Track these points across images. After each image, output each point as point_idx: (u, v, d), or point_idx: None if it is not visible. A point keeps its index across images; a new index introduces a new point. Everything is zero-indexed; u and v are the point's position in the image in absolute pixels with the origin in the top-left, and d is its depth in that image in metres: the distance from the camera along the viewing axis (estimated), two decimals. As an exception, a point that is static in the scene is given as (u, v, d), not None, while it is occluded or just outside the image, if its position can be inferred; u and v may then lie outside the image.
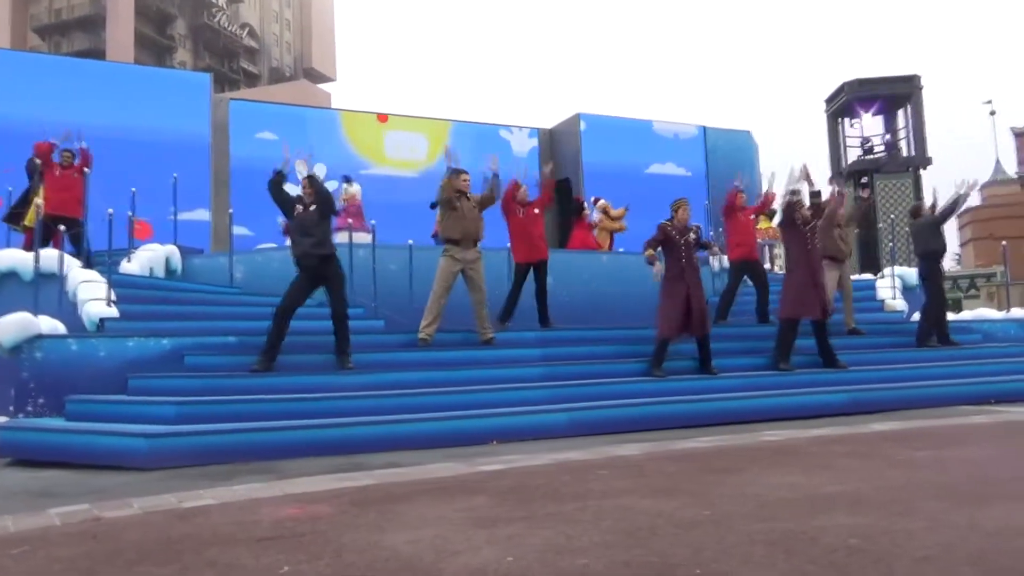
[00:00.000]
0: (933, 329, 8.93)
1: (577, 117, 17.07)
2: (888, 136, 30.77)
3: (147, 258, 8.96)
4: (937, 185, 9.65)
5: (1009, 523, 2.95)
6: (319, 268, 6.53)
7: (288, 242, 7.41)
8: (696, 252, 7.40)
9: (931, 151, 30.08)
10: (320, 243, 6.55)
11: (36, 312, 6.33)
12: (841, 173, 27.97)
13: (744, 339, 8.60)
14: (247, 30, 54.76)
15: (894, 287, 11.38)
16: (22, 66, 13.18)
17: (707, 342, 7.29)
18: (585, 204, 12.51)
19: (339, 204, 9.72)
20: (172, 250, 9.56)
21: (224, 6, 53.24)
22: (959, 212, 9.50)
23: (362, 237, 9.75)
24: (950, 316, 9.39)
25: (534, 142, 17.27)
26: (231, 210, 10.81)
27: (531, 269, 8.15)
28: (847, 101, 30.58)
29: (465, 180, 7.49)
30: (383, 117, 16.04)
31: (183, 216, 11.53)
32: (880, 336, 9.28)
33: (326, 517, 3.36)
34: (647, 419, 6.33)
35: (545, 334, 8.00)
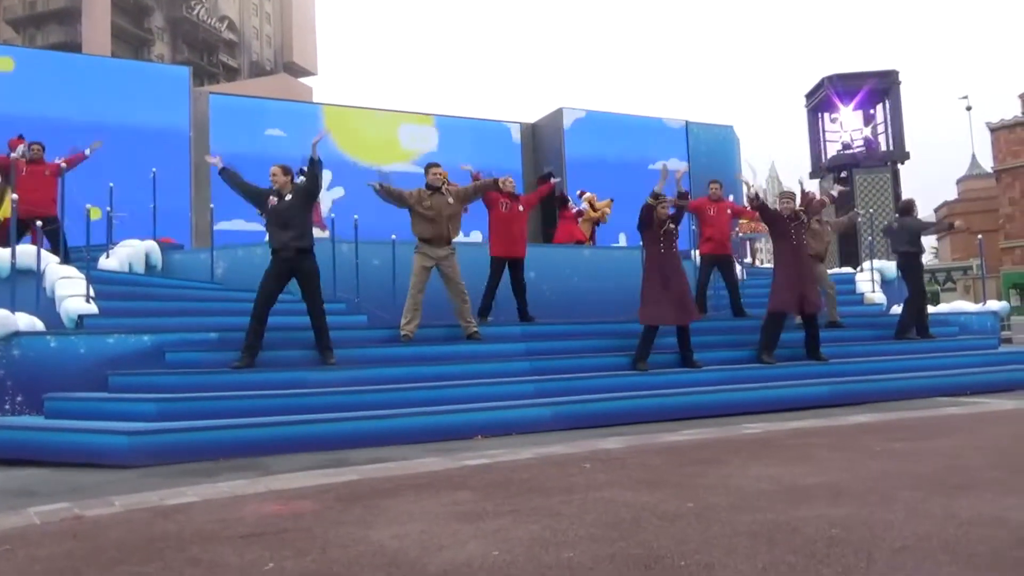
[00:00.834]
0: (913, 322, 9.05)
1: (560, 111, 17.08)
2: (867, 131, 31.08)
3: (126, 254, 8.86)
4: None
5: (983, 512, 3.01)
6: (294, 261, 6.35)
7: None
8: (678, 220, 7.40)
9: (908, 146, 30.43)
10: (299, 236, 6.36)
11: (14, 309, 6.24)
12: (837, 177, 28.05)
13: (724, 332, 8.67)
14: (226, 23, 54.15)
15: (873, 280, 11.52)
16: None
17: (688, 335, 7.34)
18: (569, 197, 12.54)
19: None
20: (152, 246, 9.45)
21: (203, -1, 52.61)
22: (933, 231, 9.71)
23: (318, 233, 9.60)
24: (928, 309, 9.52)
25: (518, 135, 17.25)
26: (212, 205, 10.70)
27: (506, 265, 8.14)
28: (827, 96, 30.85)
29: (435, 174, 7.35)
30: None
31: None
32: (860, 329, 9.40)
33: (311, 513, 3.36)
34: (631, 412, 6.37)
35: (529, 328, 8.02)
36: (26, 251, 7.25)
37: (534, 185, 17.30)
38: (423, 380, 6.48)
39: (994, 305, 10.82)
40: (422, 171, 7.65)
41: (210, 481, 4.22)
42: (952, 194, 44.44)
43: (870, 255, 12.42)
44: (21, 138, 9.12)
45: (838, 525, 2.85)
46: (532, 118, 18.07)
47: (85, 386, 5.97)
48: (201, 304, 8.00)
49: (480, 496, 3.59)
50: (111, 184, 9.36)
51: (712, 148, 17.90)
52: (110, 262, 8.48)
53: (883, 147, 30.90)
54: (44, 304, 6.91)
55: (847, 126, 31.21)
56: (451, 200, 7.31)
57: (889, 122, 30.88)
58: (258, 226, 12.26)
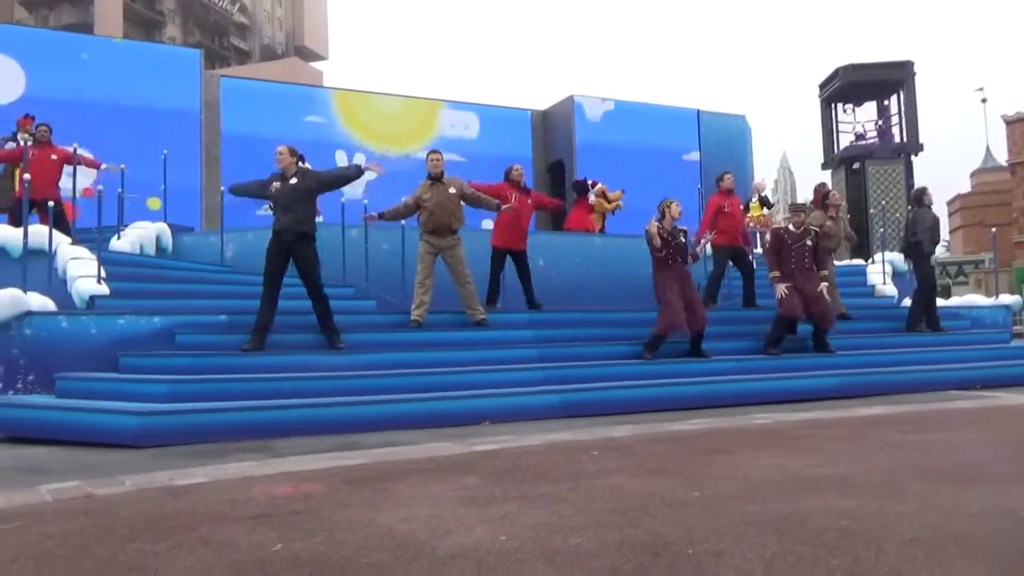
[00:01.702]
0: (923, 315, 8.99)
1: (571, 99, 16.98)
2: (880, 122, 30.80)
3: (137, 236, 8.90)
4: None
5: (993, 505, 2.99)
6: (294, 244, 6.30)
7: None
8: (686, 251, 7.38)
9: (922, 137, 30.15)
10: (301, 220, 6.31)
11: (25, 289, 6.28)
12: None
13: (734, 323, 8.64)
14: (238, 5, 53.98)
15: (884, 272, 11.44)
16: (7, 39, 12.95)
17: (701, 332, 7.34)
18: (589, 186, 12.41)
19: None
20: (162, 228, 9.49)
21: (215, -19, 52.43)
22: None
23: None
24: (940, 303, 9.46)
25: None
26: (223, 188, 10.71)
27: (507, 256, 8.11)
28: (841, 87, 30.56)
29: (433, 160, 7.27)
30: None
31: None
32: (870, 321, 9.34)
33: (319, 495, 3.37)
34: (639, 401, 6.36)
35: (538, 316, 8.01)
36: (38, 231, 7.28)
37: (544, 173, 17.27)
38: (432, 365, 6.50)
39: (1006, 299, 10.74)
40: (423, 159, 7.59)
41: (219, 462, 4.25)
42: (966, 187, 44.05)
43: (882, 247, 12.34)
44: (30, 117, 9.14)
45: (847, 516, 2.84)
46: (542, 105, 17.97)
47: (96, 366, 6.02)
48: (211, 287, 8.04)
49: (488, 481, 3.59)
50: (123, 166, 9.37)
51: (723, 138, 17.77)
52: (121, 244, 8.52)
53: (897, 139, 30.62)
54: (56, 285, 6.95)
55: (860, 117, 30.95)
56: (452, 190, 7.21)
57: (903, 113, 30.58)
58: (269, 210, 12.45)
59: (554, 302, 8.56)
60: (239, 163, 13.27)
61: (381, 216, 7.25)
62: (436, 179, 7.21)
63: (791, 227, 7.77)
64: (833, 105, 31.85)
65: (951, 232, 43.42)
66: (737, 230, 9.11)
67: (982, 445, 4.51)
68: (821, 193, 9.36)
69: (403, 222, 8.80)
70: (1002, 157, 39.56)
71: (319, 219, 8.41)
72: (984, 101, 42.47)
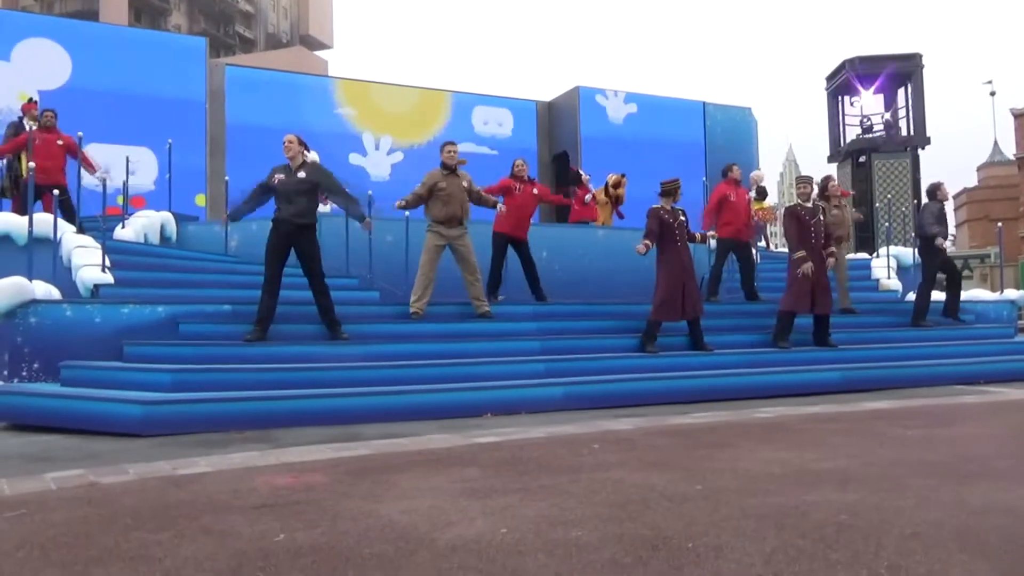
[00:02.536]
0: (928, 309, 8.99)
1: (576, 90, 16.93)
2: (887, 115, 30.60)
3: (142, 225, 8.91)
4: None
5: (994, 500, 2.99)
6: (294, 235, 6.30)
7: None
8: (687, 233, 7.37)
9: (929, 131, 29.96)
10: (301, 213, 6.31)
11: (31, 277, 6.30)
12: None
13: (736, 316, 8.63)
14: (242, -6, 53.80)
15: (889, 267, 11.41)
16: (13, 26, 12.94)
17: (698, 323, 7.32)
18: (583, 174, 12.37)
19: None
20: (167, 217, 9.50)
21: (220, -31, 52.23)
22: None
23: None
24: (942, 296, 9.42)
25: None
26: (227, 177, 10.72)
27: (509, 244, 8.10)
28: (847, 79, 30.36)
29: (449, 152, 7.26)
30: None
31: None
32: (875, 315, 9.33)
33: (321, 486, 3.39)
34: (641, 394, 6.37)
35: (541, 308, 8.01)
36: (43, 219, 7.30)
37: (549, 165, 17.24)
38: (434, 357, 6.51)
39: (1012, 294, 10.71)
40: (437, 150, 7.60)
41: (222, 452, 4.27)
42: (973, 181, 43.82)
43: (886, 241, 12.30)
44: (34, 102, 9.13)
45: (848, 511, 2.84)
46: (547, 96, 17.93)
47: (100, 355, 6.04)
48: (215, 276, 8.05)
49: (489, 473, 3.60)
50: (127, 156, 9.39)
51: (728, 129, 17.73)
52: (126, 232, 8.54)
53: (904, 132, 30.44)
54: (60, 273, 6.98)
55: (867, 110, 30.73)
56: (464, 184, 7.27)
57: (911, 106, 30.37)
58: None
59: (557, 294, 8.56)
60: (244, 152, 13.29)
61: (407, 204, 7.23)
62: (451, 170, 7.22)
63: (802, 203, 7.72)
64: (840, 97, 31.64)
65: (957, 226, 43.22)
66: (742, 222, 9.07)
67: (985, 440, 4.50)
68: (821, 185, 9.34)
69: (406, 213, 8.83)
70: (1010, 151, 39.33)
71: (324, 209, 8.41)
72: (993, 94, 42.26)
